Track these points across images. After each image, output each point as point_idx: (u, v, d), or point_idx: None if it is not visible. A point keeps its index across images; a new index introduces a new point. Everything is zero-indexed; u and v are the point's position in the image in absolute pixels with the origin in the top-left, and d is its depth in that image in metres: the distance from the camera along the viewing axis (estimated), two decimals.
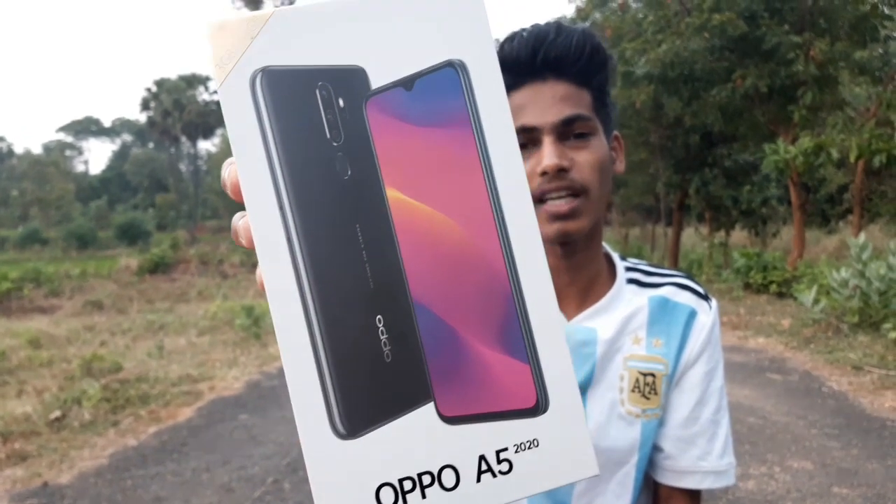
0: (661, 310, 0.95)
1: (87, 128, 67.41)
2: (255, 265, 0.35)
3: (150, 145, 61.75)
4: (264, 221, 0.34)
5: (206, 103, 44.79)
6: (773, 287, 10.42)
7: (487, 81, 0.36)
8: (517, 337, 0.35)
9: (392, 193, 0.35)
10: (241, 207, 0.36)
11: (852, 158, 9.26)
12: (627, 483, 0.92)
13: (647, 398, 0.91)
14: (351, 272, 0.35)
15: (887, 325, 6.58)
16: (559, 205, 0.84)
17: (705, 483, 0.93)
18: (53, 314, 11.94)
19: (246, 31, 0.35)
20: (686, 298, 0.96)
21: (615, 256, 1.01)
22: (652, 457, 0.94)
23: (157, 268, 17.16)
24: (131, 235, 33.91)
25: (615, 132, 0.94)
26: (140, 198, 53.48)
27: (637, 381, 0.91)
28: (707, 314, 0.95)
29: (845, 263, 8.04)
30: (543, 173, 0.83)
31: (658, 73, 11.30)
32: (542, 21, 0.91)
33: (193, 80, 45.21)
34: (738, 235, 17.20)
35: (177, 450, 4.57)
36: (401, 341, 0.35)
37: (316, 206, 0.35)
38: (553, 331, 0.35)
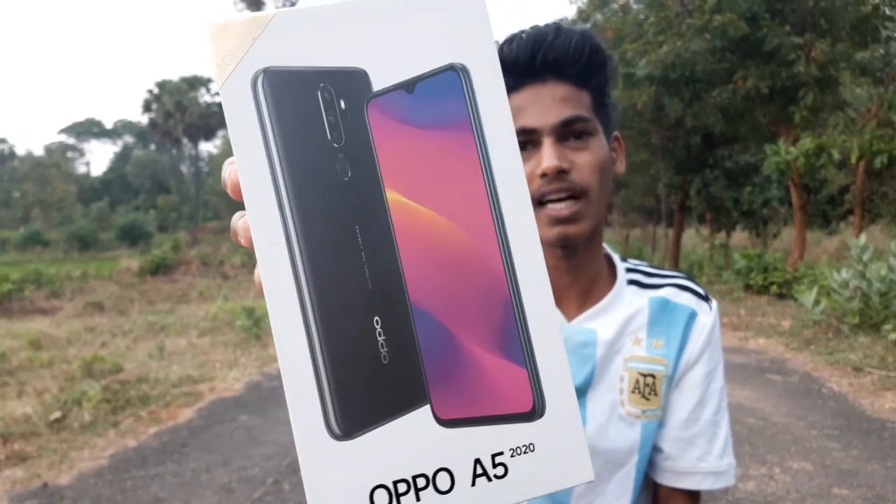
0: (662, 311, 0.95)
1: (88, 129, 67.49)
2: (255, 266, 0.35)
3: (152, 147, 61.81)
4: (264, 222, 0.34)
5: (208, 105, 44.82)
6: (774, 288, 10.41)
7: (489, 86, 0.36)
8: (515, 341, 0.35)
9: (392, 196, 0.35)
10: (242, 208, 0.36)
11: (853, 159, 9.25)
12: (627, 484, 0.92)
13: (647, 399, 0.91)
14: (349, 273, 0.35)
15: (888, 327, 6.57)
16: (560, 208, 0.84)
17: (705, 484, 0.93)
18: (54, 315, 11.95)
19: (248, 32, 0.35)
20: (686, 299, 0.96)
21: (615, 257, 1.01)
22: (652, 457, 0.94)
23: (159, 269, 17.17)
24: (132, 237, 33.94)
25: (615, 133, 0.94)
26: (141, 199, 53.52)
27: (637, 382, 0.91)
28: (707, 315, 0.95)
29: (846, 264, 8.03)
30: (543, 175, 0.83)
31: (659, 74, 11.30)
32: (542, 22, 0.91)
33: (195, 82, 45.26)
34: (739, 237, 17.20)
35: (177, 451, 4.57)
36: (398, 343, 0.35)
37: (316, 207, 0.35)
38: (551, 336, 0.35)
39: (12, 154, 60.31)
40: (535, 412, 0.35)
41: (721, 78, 11.43)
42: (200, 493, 3.84)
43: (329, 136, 0.35)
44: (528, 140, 0.84)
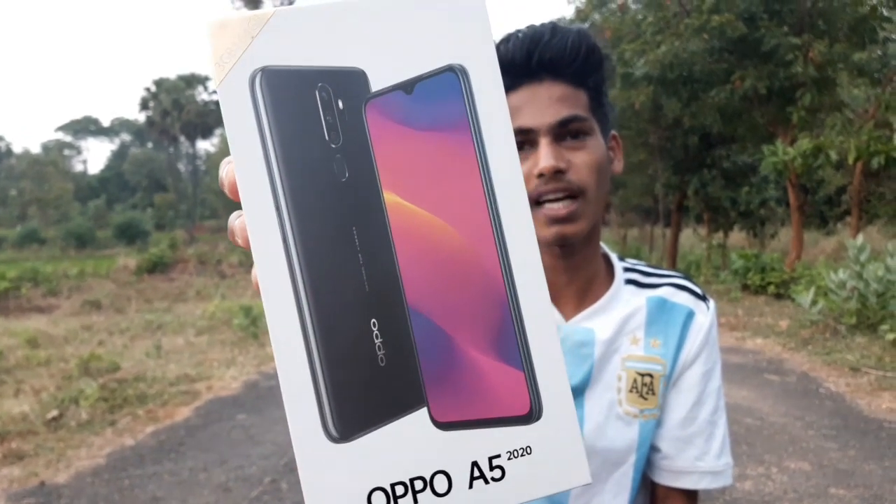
0: (659, 310, 0.95)
1: (85, 127, 67.34)
2: (253, 265, 0.35)
3: (149, 145, 61.70)
4: (261, 222, 0.34)
5: (205, 103, 44.77)
6: (771, 288, 10.42)
7: (488, 87, 0.36)
8: (512, 344, 0.35)
9: (390, 197, 0.35)
10: (240, 207, 0.35)
11: (851, 160, 9.26)
12: (625, 483, 0.92)
13: (645, 398, 0.91)
14: (346, 275, 0.35)
15: (885, 327, 6.58)
16: (557, 208, 0.84)
17: (702, 483, 0.93)
18: (51, 314, 11.93)
19: (246, 31, 0.35)
20: (684, 299, 0.96)
21: (613, 257, 1.01)
22: (649, 457, 0.94)
23: (156, 267, 17.15)
24: (130, 235, 33.86)
25: (613, 132, 0.94)
26: (138, 197, 53.43)
27: (635, 381, 0.91)
28: (705, 315, 0.96)
29: (843, 265, 8.04)
30: (540, 175, 0.83)
31: (657, 74, 11.31)
32: (539, 22, 0.91)
33: (192, 80, 45.18)
34: (737, 237, 17.22)
35: (174, 449, 4.57)
36: (395, 346, 0.35)
37: (313, 207, 0.34)
38: (548, 338, 0.35)
39: (9, 152, 60.17)
40: (532, 415, 0.35)
41: (719, 78, 11.44)
42: (198, 492, 3.84)
43: (327, 137, 0.35)
44: (525, 140, 0.84)
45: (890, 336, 6.36)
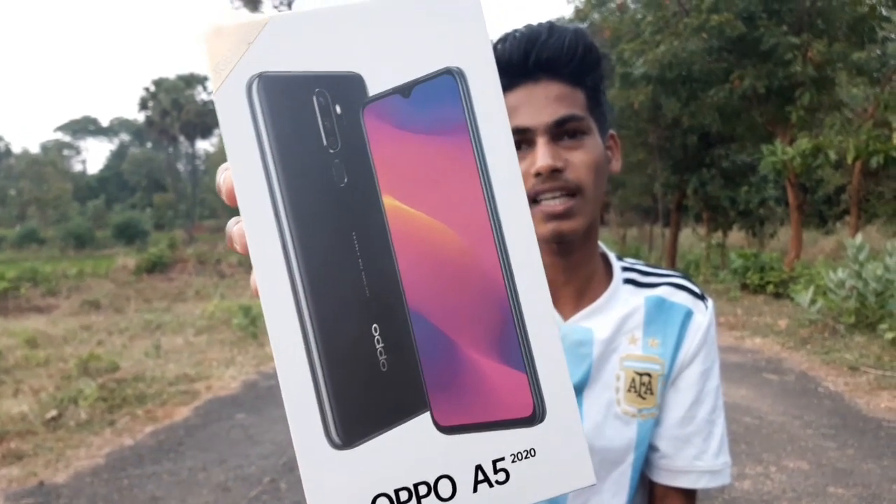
0: (658, 310, 0.95)
1: (84, 127, 67.29)
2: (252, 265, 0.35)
3: (148, 145, 61.67)
4: (259, 228, 0.34)
5: (205, 103, 44.72)
6: (770, 287, 10.43)
7: (486, 89, 0.35)
8: (514, 346, 0.35)
9: (389, 201, 0.35)
10: (238, 212, 0.35)
11: (850, 159, 9.26)
12: (623, 482, 0.92)
13: (643, 398, 0.91)
14: (347, 280, 0.34)
15: (883, 326, 6.59)
16: (554, 205, 0.84)
17: (701, 482, 0.93)
18: (50, 313, 11.92)
19: (242, 37, 0.34)
20: (682, 298, 0.96)
21: (612, 256, 1.01)
22: (648, 456, 0.94)
23: (155, 267, 17.13)
24: (129, 235, 33.83)
25: (611, 131, 0.95)
26: (138, 197, 53.41)
27: (633, 380, 0.91)
28: (703, 314, 0.96)
29: (842, 264, 8.05)
30: (537, 174, 0.83)
31: (656, 73, 11.31)
32: (538, 22, 0.91)
33: (192, 80, 45.16)
34: (736, 236, 17.22)
35: (173, 449, 4.57)
36: (397, 350, 0.35)
37: (312, 213, 0.34)
38: (550, 339, 0.35)
39: (8, 152, 60.12)
40: (535, 417, 0.35)
41: (718, 77, 11.44)
42: (197, 492, 3.84)
43: (325, 142, 0.35)
44: (523, 139, 0.85)
45: (889, 335, 6.36)
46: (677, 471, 0.93)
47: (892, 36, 11.66)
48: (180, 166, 53.56)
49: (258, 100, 0.34)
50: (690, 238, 18.44)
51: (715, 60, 11.45)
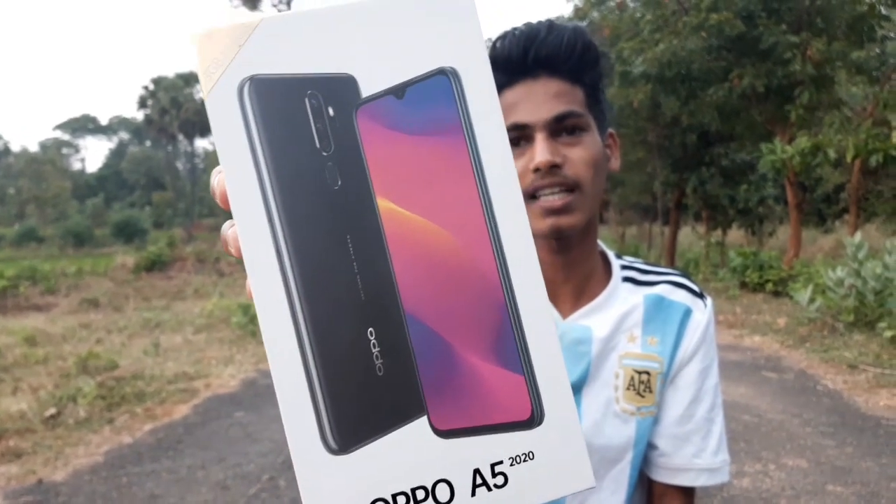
0: (657, 308, 0.95)
1: (83, 126, 67.23)
2: None
3: (147, 143, 61.62)
4: (253, 232, 0.34)
5: (204, 101, 44.65)
6: (769, 286, 10.44)
7: (480, 89, 0.35)
8: (511, 348, 0.34)
9: (383, 203, 0.35)
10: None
11: (849, 158, 9.27)
12: (622, 480, 0.92)
13: (642, 396, 0.91)
14: (341, 284, 0.34)
15: (882, 324, 6.60)
16: (552, 200, 0.84)
17: (699, 480, 0.93)
18: (49, 312, 11.91)
19: (233, 39, 0.34)
20: (681, 297, 0.96)
21: (611, 254, 1.01)
22: (647, 454, 0.94)
23: (154, 266, 17.12)
24: (128, 233, 33.83)
25: (610, 129, 0.94)
26: (137, 196, 53.41)
27: (632, 379, 0.91)
28: (702, 312, 0.96)
29: (841, 262, 8.06)
30: (536, 170, 0.83)
31: (655, 72, 11.31)
32: (537, 20, 0.91)
33: (191, 78, 45.11)
34: (735, 234, 17.24)
35: (172, 447, 4.57)
36: (393, 354, 0.34)
37: (305, 216, 0.34)
38: (547, 341, 0.35)
39: (7, 150, 60.04)
40: (533, 420, 0.34)
41: (717, 76, 11.44)
42: (196, 490, 3.84)
43: (318, 144, 0.35)
44: (522, 135, 0.85)
45: (888, 333, 6.37)
46: (676, 469, 0.93)
47: (892, 34, 11.66)
48: (179, 165, 53.55)
49: (250, 103, 0.34)
50: (690, 236, 18.46)
51: (714, 59, 11.44)
